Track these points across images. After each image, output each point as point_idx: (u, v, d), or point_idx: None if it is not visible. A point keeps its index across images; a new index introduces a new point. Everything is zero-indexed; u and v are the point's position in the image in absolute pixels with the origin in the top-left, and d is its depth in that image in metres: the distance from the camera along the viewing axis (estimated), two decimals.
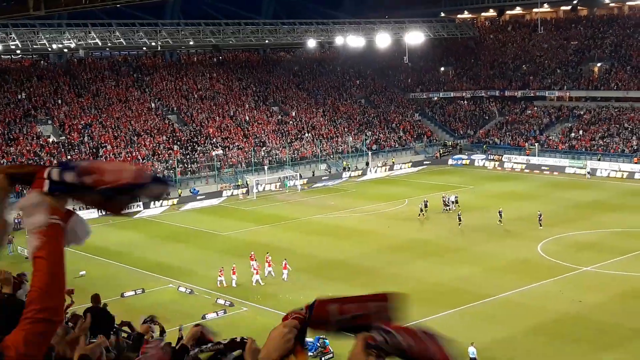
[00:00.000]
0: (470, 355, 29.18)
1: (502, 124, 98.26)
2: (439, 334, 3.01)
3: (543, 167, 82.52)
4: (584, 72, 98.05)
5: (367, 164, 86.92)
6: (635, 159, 79.37)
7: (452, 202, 60.91)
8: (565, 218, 55.54)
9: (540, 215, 53.99)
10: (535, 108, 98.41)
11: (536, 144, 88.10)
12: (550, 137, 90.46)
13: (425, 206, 59.58)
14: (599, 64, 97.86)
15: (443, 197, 62.08)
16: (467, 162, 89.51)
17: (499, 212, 55.25)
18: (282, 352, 2.97)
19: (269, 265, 43.45)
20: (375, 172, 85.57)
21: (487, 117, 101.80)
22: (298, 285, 41.58)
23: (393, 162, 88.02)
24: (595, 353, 30.88)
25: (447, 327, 34.42)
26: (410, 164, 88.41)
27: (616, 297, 37.89)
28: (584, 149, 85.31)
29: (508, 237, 50.89)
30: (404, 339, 2.96)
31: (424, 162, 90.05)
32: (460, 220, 54.70)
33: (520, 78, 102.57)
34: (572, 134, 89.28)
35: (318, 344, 31.25)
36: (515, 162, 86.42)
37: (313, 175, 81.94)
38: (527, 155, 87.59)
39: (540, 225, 53.19)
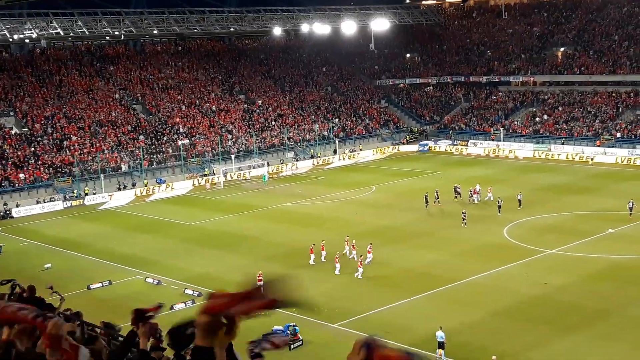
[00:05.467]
0: (438, 339, 29.39)
1: (467, 109, 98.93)
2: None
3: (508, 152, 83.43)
4: (548, 57, 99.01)
5: (335, 151, 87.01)
6: (598, 142, 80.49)
7: (478, 193, 58.13)
8: (530, 202, 56.08)
9: (520, 196, 55.21)
10: (500, 93, 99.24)
11: (501, 129, 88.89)
12: (515, 122, 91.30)
13: (437, 195, 57.80)
14: (562, 49, 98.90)
15: (456, 187, 59.87)
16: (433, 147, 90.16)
17: (498, 200, 54.34)
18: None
19: (354, 249, 43.41)
20: (343, 159, 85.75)
21: (452, 103, 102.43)
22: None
23: (360, 149, 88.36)
24: (561, 334, 31.32)
25: (416, 312, 34.76)
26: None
27: (580, 279, 38.46)
28: (548, 133, 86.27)
29: (474, 222, 51.24)
30: None
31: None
32: (464, 218, 50.92)
33: (485, 64, 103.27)
34: (537, 119, 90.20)
35: (288, 331, 31.27)
36: (480, 147, 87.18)
37: (282, 162, 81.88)
38: (493, 140, 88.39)
39: (520, 206, 54.26)
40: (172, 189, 72.31)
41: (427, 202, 56.55)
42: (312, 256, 42.61)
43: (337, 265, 40.86)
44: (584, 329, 32.03)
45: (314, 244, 43.53)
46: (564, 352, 29.74)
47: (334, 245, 44.35)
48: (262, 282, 3.38)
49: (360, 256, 41.36)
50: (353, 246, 43.62)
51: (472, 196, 58.13)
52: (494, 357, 27.33)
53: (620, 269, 39.97)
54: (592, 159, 76.03)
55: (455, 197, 58.99)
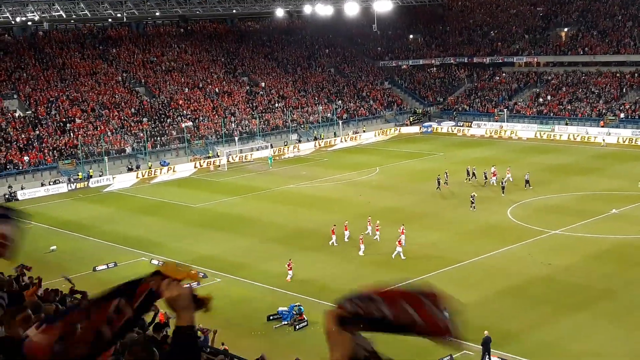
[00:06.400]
0: None
1: (471, 90, 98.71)
2: (435, 294, 2.96)
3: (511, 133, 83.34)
4: (552, 38, 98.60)
5: (334, 134, 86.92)
6: (602, 122, 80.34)
7: (495, 175, 57.10)
8: (534, 182, 56.02)
9: (527, 176, 55.36)
10: (504, 74, 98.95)
11: (505, 110, 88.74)
12: (519, 103, 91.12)
13: (446, 176, 57.54)
14: (565, 29, 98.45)
15: (468, 169, 59.32)
16: (437, 129, 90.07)
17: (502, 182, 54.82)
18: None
19: (377, 230, 43.26)
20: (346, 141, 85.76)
21: (456, 84, 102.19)
22: (269, 255, 41.70)
23: (364, 131, 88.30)
24: (565, 313, 31.47)
25: None
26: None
27: (584, 259, 38.56)
28: (552, 114, 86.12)
29: (478, 203, 51.26)
30: (378, 307, 2.86)
31: None
32: (472, 202, 50.03)
33: (489, 44, 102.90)
34: (540, 99, 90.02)
35: (294, 312, 31.47)
36: (484, 128, 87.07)
37: (285, 144, 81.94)
38: (496, 121, 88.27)
39: (529, 186, 54.46)
40: (174, 171, 72.43)
41: (438, 184, 56.32)
42: (334, 237, 42.63)
43: (362, 246, 40.89)
44: (587, 308, 32.18)
45: (335, 225, 43.59)
46: (568, 331, 29.88)
47: (341, 225, 44.44)
48: None
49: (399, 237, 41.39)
50: (377, 228, 43.51)
51: (487, 178, 57.60)
52: (485, 332, 27.46)
53: (624, 249, 40.06)
54: (603, 140, 75.57)
55: (468, 179, 58.69)
